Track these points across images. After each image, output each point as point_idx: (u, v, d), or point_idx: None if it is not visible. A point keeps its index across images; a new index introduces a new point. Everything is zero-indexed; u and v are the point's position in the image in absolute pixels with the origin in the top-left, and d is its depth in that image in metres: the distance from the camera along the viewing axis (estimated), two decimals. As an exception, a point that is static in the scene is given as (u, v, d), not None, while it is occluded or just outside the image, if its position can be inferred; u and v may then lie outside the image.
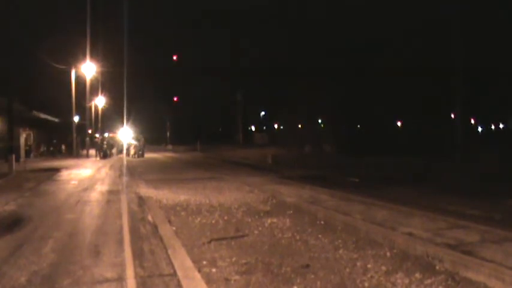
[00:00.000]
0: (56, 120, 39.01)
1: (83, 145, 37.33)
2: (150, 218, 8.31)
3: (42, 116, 35.76)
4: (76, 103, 34.09)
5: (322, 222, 7.81)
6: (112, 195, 11.63)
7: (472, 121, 56.00)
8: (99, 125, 53.67)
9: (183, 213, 8.80)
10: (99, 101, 48.98)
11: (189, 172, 19.21)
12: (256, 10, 64.93)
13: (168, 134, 72.84)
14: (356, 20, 44.02)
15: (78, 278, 4.88)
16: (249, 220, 8.04)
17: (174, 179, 15.71)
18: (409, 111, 46.53)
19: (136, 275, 4.93)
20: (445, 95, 33.15)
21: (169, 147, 60.05)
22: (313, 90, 38.95)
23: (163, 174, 18.38)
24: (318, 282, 4.71)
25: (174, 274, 4.97)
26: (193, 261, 5.40)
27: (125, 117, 35.41)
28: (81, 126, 40.27)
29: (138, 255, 5.72)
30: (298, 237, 6.69)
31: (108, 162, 27.20)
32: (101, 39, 41.55)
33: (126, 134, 36.25)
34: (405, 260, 5.44)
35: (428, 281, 4.70)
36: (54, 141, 38.37)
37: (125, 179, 16.05)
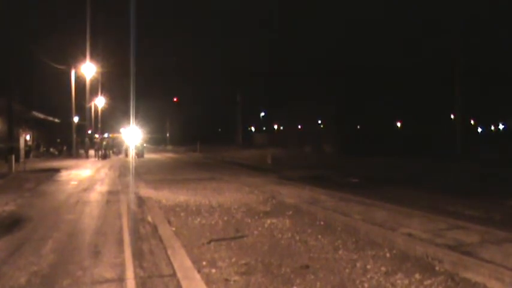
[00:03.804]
0: (56, 120, 39.01)
1: (83, 145, 37.32)
2: (149, 218, 8.31)
3: (42, 116, 35.76)
4: (76, 103, 34.08)
5: (321, 222, 7.81)
6: (112, 195, 11.63)
7: (472, 122, 56.02)
8: (99, 125, 53.67)
9: (182, 213, 8.80)
10: (99, 101, 48.97)
11: (188, 173, 19.20)
12: (256, 10, 64.99)
13: (168, 134, 72.86)
14: (355, 19, 44.02)
15: (78, 278, 4.88)
16: (249, 221, 8.05)
17: (174, 180, 15.71)
18: (408, 112, 46.55)
19: (136, 276, 4.93)
20: (444, 95, 33.15)
21: (169, 147, 60.08)
22: (313, 91, 38.99)
23: (162, 174, 18.37)
24: (318, 283, 4.71)
25: (174, 275, 4.97)
26: (193, 262, 5.41)
27: (131, 117, 35.32)
28: (80, 127, 40.24)
29: (138, 256, 5.72)
30: (297, 238, 6.69)
31: (107, 162, 27.19)
32: (101, 39, 41.51)
33: (129, 134, 36.17)
34: (405, 261, 5.45)
35: (428, 282, 4.70)
36: (58, 140, 38.38)
37: (124, 179, 16.05)
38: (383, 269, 5.16)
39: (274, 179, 15.55)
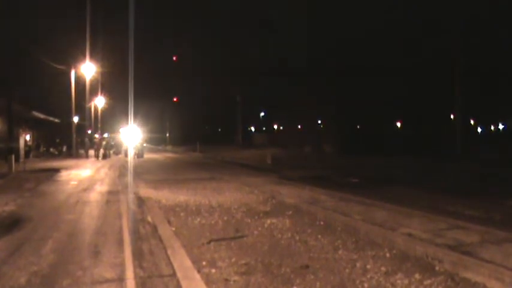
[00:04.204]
0: (56, 120, 38.98)
1: (83, 145, 37.36)
2: (149, 218, 8.30)
3: (42, 116, 35.74)
4: (76, 103, 34.08)
5: (321, 222, 7.81)
6: (111, 195, 11.62)
7: (472, 122, 56.02)
8: (99, 125, 53.65)
9: (182, 213, 8.80)
10: (99, 101, 48.95)
11: (188, 173, 19.20)
12: (256, 10, 64.97)
13: (167, 134, 72.87)
14: (356, 18, 44.01)
15: (78, 278, 4.88)
16: (249, 221, 8.04)
17: (174, 180, 15.70)
18: (408, 112, 46.54)
19: (135, 276, 4.93)
20: (444, 95, 33.17)
21: (169, 147, 60.09)
22: (313, 91, 38.97)
23: (162, 174, 18.37)
24: (318, 283, 4.71)
25: (174, 275, 4.97)
26: (193, 262, 5.41)
27: (131, 116, 35.24)
28: (80, 127, 40.21)
29: (138, 256, 5.72)
30: (297, 238, 6.69)
31: (107, 162, 27.19)
32: (101, 39, 41.45)
33: (129, 134, 36.12)
34: (405, 261, 5.45)
35: (428, 282, 4.70)
36: (57, 140, 38.38)
37: (124, 179, 16.04)
38: (383, 269, 5.16)
39: (274, 179, 15.55)
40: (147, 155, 35.43)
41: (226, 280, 4.84)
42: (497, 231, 6.50)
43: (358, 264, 5.33)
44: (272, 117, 71.14)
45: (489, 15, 34.89)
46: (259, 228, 7.38)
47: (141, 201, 10.50)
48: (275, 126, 72.31)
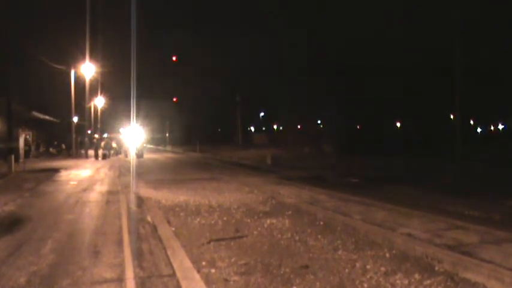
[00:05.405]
0: (56, 120, 38.97)
1: (82, 145, 37.35)
2: (149, 218, 8.30)
3: (42, 116, 35.73)
4: (75, 103, 34.05)
5: (321, 223, 7.81)
6: (111, 195, 11.62)
7: (472, 122, 56.04)
8: (99, 125, 53.63)
9: (182, 213, 8.80)
10: (99, 101, 48.92)
11: (188, 173, 19.20)
12: (256, 10, 65.02)
13: (167, 134, 72.83)
14: (355, 18, 44.04)
15: (78, 278, 4.88)
16: (249, 221, 8.04)
17: (173, 180, 15.70)
18: (408, 112, 46.59)
19: (135, 276, 4.93)
20: (444, 95, 33.19)
21: (169, 148, 60.08)
22: (313, 91, 38.99)
23: (162, 174, 18.37)
24: (317, 283, 4.71)
25: (173, 275, 4.97)
26: (193, 262, 5.40)
27: (133, 116, 35.17)
28: (80, 127, 40.19)
29: (137, 256, 5.72)
30: (297, 238, 6.69)
31: (107, 162, 27.18)
32: (101, 39, 41.46)
33: (129, 134, 36.05)
34: (404, 261, 5.44)
35: (428, 282, 4.70)
36: (55, 142, 38.37)
37: (124, 179, 16.03)
38: (382, 269, 5.16)
39: (274, 179, 15.55)
40: (147, 155, 35.42)
41: (226, 280, 4.84)
42: (496, 232, 6.50)
43: (357, 265, 5.33)
44: (272, 117, 71.20)
45: (489, 15, 34.91)
46: (259, 228, 7.38)
47: (140, 201, 10.50)
48: (275, 126, 72.35)
